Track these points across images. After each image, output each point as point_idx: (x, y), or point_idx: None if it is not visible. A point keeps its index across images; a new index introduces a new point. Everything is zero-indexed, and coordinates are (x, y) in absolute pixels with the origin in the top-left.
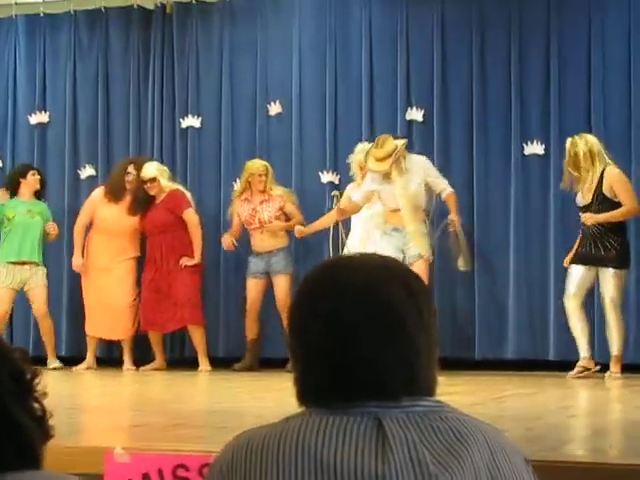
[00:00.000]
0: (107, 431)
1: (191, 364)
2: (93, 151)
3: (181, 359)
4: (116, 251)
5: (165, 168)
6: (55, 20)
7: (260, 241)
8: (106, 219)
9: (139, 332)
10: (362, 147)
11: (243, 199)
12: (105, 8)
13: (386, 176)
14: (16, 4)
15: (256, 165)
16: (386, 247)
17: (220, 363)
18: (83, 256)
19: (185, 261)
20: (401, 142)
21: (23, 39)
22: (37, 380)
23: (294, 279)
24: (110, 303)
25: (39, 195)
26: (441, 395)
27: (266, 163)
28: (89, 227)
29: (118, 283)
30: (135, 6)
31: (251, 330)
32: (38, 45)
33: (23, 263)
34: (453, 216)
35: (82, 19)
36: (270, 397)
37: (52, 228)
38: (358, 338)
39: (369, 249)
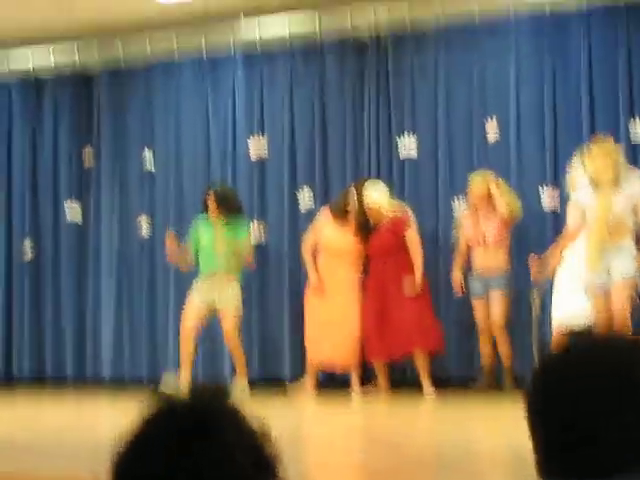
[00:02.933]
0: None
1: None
2: (311, 176)
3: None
4: (342, 273)
5: (386, 190)
6: (272, 53)
7: (481, 262)
8: (332, 240)
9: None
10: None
11: (468, 216)
12: (321, 40)
13: (599, 183)
14: (233, 38)
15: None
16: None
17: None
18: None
19: (408, 287)
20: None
21: (242, 73)
22: (279, 465)
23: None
24: (335, 329)
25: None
26: None
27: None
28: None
29: (344, 307)
30: (351, 40)
31: (486, 352)
32: (256, 78)
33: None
34: None
35: (299, 51)
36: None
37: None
38: (601, 426)
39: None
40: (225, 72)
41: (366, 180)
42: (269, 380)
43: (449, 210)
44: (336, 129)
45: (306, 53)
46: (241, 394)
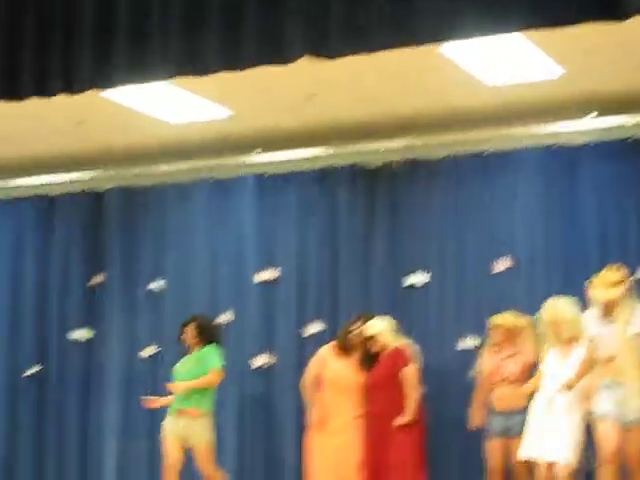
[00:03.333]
0: None
1: None
2: (320, 306)
3: None
4: (345, 409)
5: (392, 324)
6: (283, 180)
7: (502, 399)
8: (337, 374)
9: None
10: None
11: (492, 351)
12: (332, 167)
13: (607, 313)
14: (245, 164)
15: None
16: (606, 402)
17: None
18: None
19: (398, 420)
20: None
21: (253, 198)
22: None
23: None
24: (338, 467)
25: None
26: None
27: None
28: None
29: (347, 445)
30: (358, 167)
31: None
32: (267, 204)
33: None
34: None
35: (310, 178)
36: None
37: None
38: None
39: None
40: (236, 197)
41: (372, 314)
42: None
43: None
44: (346, 260)
45: (318, 181)
46: None
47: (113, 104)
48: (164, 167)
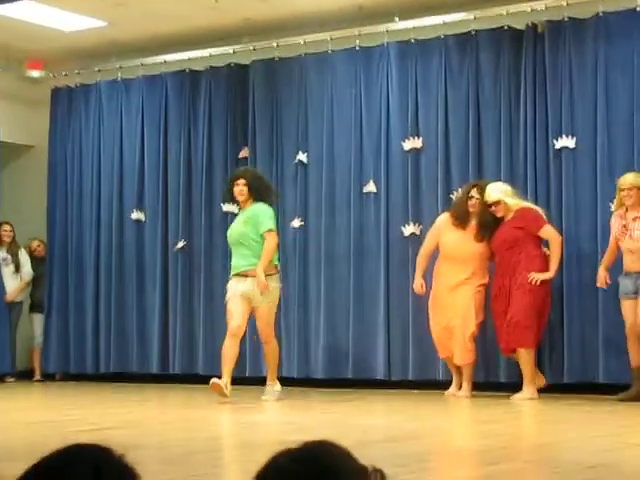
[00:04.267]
0: None
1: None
2: (464, 175)
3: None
4: (463, 278)
5: (509, 188)
6: (426, 46)
7: (630, 261)
8: (452, 245)
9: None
10: None
11: (617, 215)
12: (475, 31)
13: None
14: (387, 32)
15: (624, 179)
16: None
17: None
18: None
19: (537, 276)
20: None
21: (395, 66)
22: None
23: None
24: (454, 328)
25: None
26: None
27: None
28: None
29: (462, 308)
30: (505, 27)
31: (636, 356)
32: (410, 71)
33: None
34: None
35: (452, 43)
36: None
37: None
38: None
39: None
40: (378, 65)
41: (486, 181)
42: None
43: (605, 213)
44: (491, 126)
45: (461, 45)
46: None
47: None
48: (307, 37)
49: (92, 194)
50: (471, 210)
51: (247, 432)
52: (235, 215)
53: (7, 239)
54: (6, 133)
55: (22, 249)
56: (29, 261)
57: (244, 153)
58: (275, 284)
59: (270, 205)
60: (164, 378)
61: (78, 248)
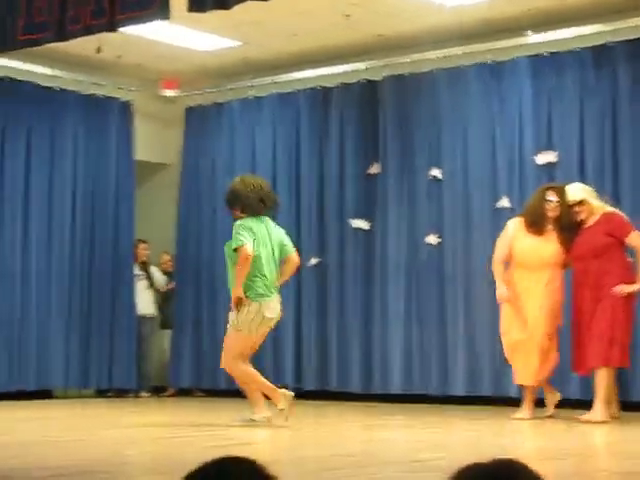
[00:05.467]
0: None
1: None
2: (600, 189)
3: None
4: (540, 286)
5: (591, 189)
6: (560, 59)
7: None
8: (528, 252)
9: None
10: None
11: None
12: (611, 43)
13: None
14: (520, 46)
15: None
16: None
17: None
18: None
19: (625, 288)
20: None
21: (528, 80)
22: None
23: None
24: (529, 341)
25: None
26: None
27: None
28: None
29: (538, 318)
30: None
31: None
32: (543, 85)
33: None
34: None
35: (587, 56)
36: None
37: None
38: None
39: None
40: (511, 79)
41: (562, 184)
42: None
43: None
44: (628, 141)
45: (596, 58)
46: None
47: None
48: (438, 52)
49: (225, 211)
50: (550, 214)
51: (378, 449)
52: (365, 231)
53: (143, 257)
54: (141, 152)
55: (152, 265)
56: (161, 274)
57: (375, 169)
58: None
59: (254, 216)
60: (297, 393)
61: (210, 264)
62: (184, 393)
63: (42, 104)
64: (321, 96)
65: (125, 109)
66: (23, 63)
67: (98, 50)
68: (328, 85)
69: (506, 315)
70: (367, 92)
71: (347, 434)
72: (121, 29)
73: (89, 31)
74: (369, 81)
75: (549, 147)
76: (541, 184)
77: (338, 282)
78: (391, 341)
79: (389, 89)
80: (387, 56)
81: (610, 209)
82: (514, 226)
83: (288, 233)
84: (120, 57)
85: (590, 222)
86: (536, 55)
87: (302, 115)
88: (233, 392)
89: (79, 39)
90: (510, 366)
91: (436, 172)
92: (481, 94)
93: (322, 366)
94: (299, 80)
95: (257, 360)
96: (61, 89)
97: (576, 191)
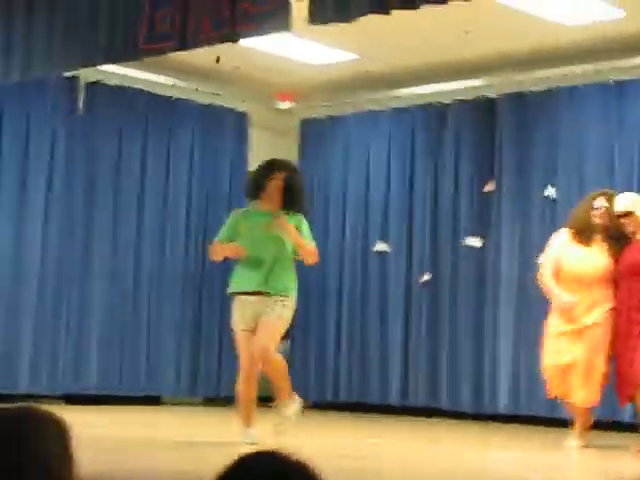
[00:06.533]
0: None
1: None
2: None
3: None
4: (590, 303)
5: None
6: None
7: None
8: (576, 264)
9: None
10: None
11: None
12: None
13: None
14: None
15: None
16: None
17: None
18: None
19: None
20: None
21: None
22: None
23: None
24: (578, 364)
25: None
26: None
27: None
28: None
29: (591, 339)
30: None
31: None
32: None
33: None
34: None
35: None
36: None
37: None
38: None
39: None
40: (633, 99)
41: (614, 191)
42: None
43: None
44: None
45: None
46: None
47: (504, 9)
48: (557, 71)
49: (337, 224)
50: (596, 222)
51: (493, 468)
52: (477, 249)
53: None
54: (255, 163)
55: None
56: None
57: (490, 187)
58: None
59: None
60: (403, 410)
61: (320, 276)
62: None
63: (159, 113)
64: (437, 112)
65: (241, 120)
66: (140, 71)
67: (217, 60)
68: (445, 101)
69: (550, 336)
70: (484, 109)
71: (465, 453)
72: (240, 40)
73: (210, 41)
74: (486, 98)
75: None
76: None
77: (450, 299)
78: (500, 360)
79: (506, 107)
80: (505, 74)
81: None
82: (559, 238)
83: (400, 250)
84: (238, 68)
85: (638, 236)
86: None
87: (417, 131)
88: (339, 405)
89: (198, 49)
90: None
91: (551, 191)
92: (600, 113)
93: (432, 383)
94: (416, 95)
95: (366, 375)
96: (177, 98)
97: (624, 200)
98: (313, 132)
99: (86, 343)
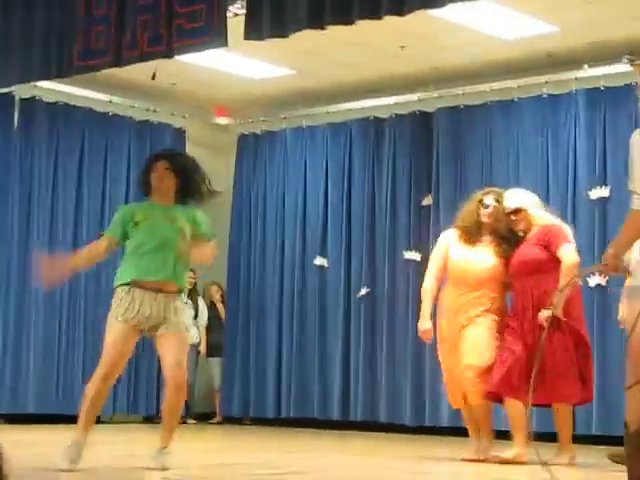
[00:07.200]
0: None
1: None
2: None
3: None
4: (475, 304)
5: (536, 198)
6: (617, 93)
7: None
8: (463, 265)
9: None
10: None
11: None
12: None
13: None
14: (576, 79)
15: None
16: None
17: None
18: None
19: (542, 313)
20: None
21: (583, 114)
22: None
23: None
24: (460, 365)
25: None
26: None
27: None
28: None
29: (473, 342)
30: None
31: None
32: (598, 119)
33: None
34: None
35: None
36: None
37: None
38: None
39: None
40: (566, 113)
41: (501, 189)
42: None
43: None
44: None
45: None
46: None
47: (439, 23)
48: (493, 85)
49: (276, 240)
50: (484, 220)
51: None
52: (417, 262)
53: (189, 286)
54: None
55: (200, 296)
56: (206, 308)
57: (427, 200)
58: None
59: None
60: (345, 425)
61: (260, 293)
62: (232, 421)
63: (95, 129)
64: (374, 127)
65: (178, 136)
66: (76, 88)
67: (153, 76)
68: (381, 116)
69: (442, 343)
70: (420, 123)
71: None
72: (176, 56)
73: (146, 58)
74: (422, 112)
75: (602, 182)
76: (593, 219)
77: (389, 313)
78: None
79: (442, 121)
80: (441, 88)
81: (552, 221)
82: (446, 237)
83: (338, 264)
84: (174, 84)
85: (530, 234)
86: (593, 89)
87: (355, 145)
88: (281, 421)
89: (134, 65)
90: None
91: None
92: (535, 127)
93: (371, 398)
94: (352, 110)
95: (306, 391)
96: (114, 114)
97: (515, 198)
98: (250, 147)
99: (25, 362)
